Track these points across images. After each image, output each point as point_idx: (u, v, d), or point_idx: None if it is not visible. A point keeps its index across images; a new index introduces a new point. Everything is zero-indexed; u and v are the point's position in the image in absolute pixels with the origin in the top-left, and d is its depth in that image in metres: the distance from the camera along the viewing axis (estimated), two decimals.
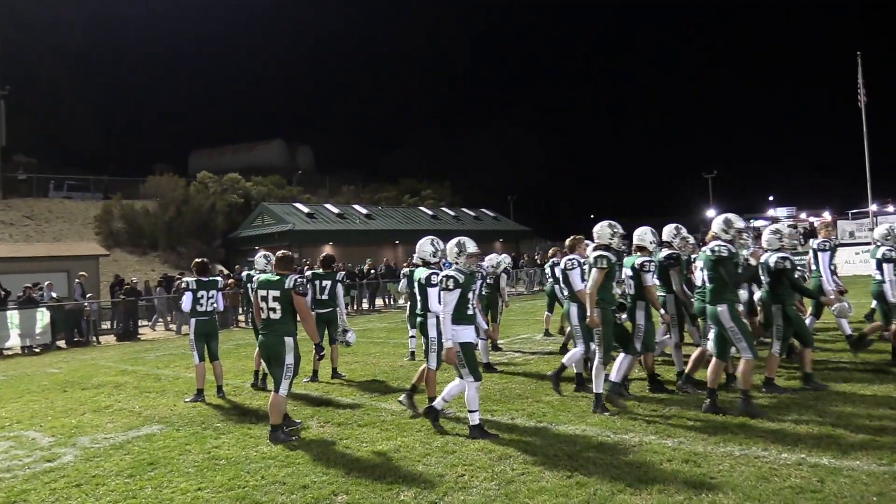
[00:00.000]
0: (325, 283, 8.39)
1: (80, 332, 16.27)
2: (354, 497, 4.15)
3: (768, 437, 4.82)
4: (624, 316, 6.44)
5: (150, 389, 8.57)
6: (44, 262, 20.70)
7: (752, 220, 35.70)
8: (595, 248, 6.04)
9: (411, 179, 53.29)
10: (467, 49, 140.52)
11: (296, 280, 5.58)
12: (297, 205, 36.47)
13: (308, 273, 8.84)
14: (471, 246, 5.52)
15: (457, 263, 5.48)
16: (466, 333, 5.35)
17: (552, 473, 4.32)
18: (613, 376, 6.01)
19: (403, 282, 10.28)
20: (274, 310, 5.60)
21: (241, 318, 19.06)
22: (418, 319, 6.31)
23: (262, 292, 5.67)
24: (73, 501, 4.43)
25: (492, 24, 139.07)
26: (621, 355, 6.15)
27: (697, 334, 6.89)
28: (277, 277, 5.65)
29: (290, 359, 5.54)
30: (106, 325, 18.99)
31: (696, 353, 6.37)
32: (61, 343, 15.75)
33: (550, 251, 11.10)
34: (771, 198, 57.18)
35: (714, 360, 5.73)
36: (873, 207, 27.94)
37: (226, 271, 22.25)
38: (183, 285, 7.86)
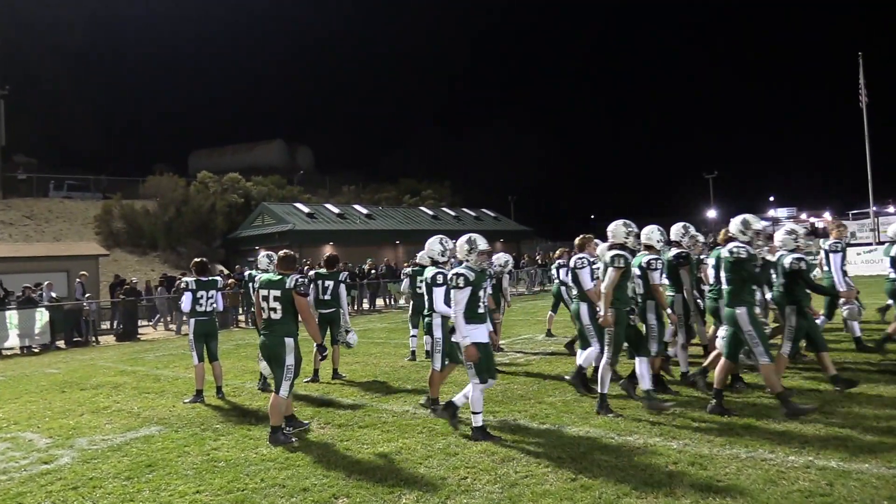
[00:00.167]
0: (327, 283, 8.34)
1: (79, 333, 16.21)
2: (355, 500, 4.08)
3: (774, 439, 4.75)
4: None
5: (148, 390, 8.51)
6: (43, 261, 20.66)
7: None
8: (610, 248, 5.94)
9: (411, 179, 53.26)
10: (467, 49, 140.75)
11: (297, 280, 5.51)
12: (298, 205, 36.41)
13: (311, 273, 8.79)
14: (482, 243, 5.39)
15: (467, 261, 5.34)
16: (477, 333, 5.21)
17: (556, 476, 4.26)
18: (645, 385, 5.78)
19: (405, 282, 10.22)
20: (275, 310, 5.53)
21: (242, 317, 19.01)
22: (426, 320, 6.24)
23: (264, 292, 5.61)
24: None
25: (492, 24, 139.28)
26: (638, 362, 5.88)
27: (706, 334, 6.83)
28: (279, 277, 5.59)
29: (290, 360, 5.47)
30: (105, 325, 18.93)
31: (716, 352, 6.21)
32: (60, 343, 15.68)
33: (557, 252, 11.06)
34: (772, 198, 57.16)
35: (724, 360, 5.65)
36: (874, 208, 27.87)
37: (226, 271, 22.17)
38: (182, 285, 7.80)
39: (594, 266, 6.48)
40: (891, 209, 36.87)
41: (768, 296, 6.63)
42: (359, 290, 21.40)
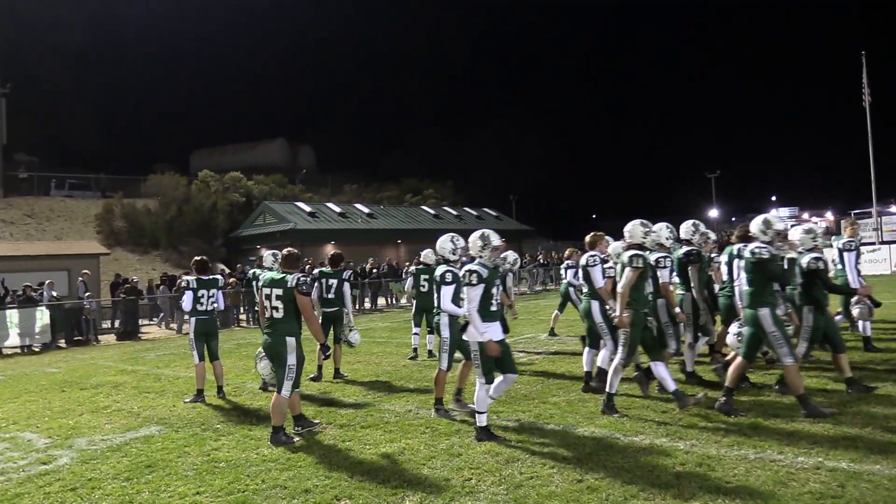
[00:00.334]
0: (331, 281, 8.30)
1: (80, 332, 16.16)
2: (358, 502, 4.02)
3: (783, 439, 4.68)
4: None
5: (149, 389, 8.45)
6: (44, 260, 20.59)
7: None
8: (628, 248, 5.83)
9: (413, 179, 53.15)
10: (467, 49, 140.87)
11: (298, 279, 5.45)
12: (299, 204, 36.31)
13: (315, 271, 8.74)
14: (495, 239, 5.27)
15: (481, 257, 5.22)
16: (492, 331, 5.10)
17: (562, 477, 4.19)
18: (670, 387, 5.62)
19: (409, 281, 10.15)
20: (277, 308, 5.48)
21: (243, 316, 18.96)
22: (435, 319, 6.19)
23: (266, 291, 5.56)
24: None
25: (492, 24, 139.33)
26: (654, 366, 5.75)
27: (715, 335, 6.77)
28: (281, 276, 5.54)
29: (291, 359, 5.41)
30: (106, 324, 18.89)
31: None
32: (61, 342, 15.64)
33: (567, 252, 11.06)
34: (773, 198, 57.07)
35: (740, 359, 5.56)
36: (876, 207, 27.75)
37: (227, 270, 22.11)
38: (183, 284, 7.74)
39: (606, 265, 6.42)
40: (893, 208, 36.73)
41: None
42: (360, 289, 21.35)
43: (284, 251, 5.86)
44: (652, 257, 6.13)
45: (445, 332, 6.00)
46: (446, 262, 6.08)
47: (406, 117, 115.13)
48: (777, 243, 5.45)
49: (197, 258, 7.89)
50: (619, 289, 5.68)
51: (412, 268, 10.42)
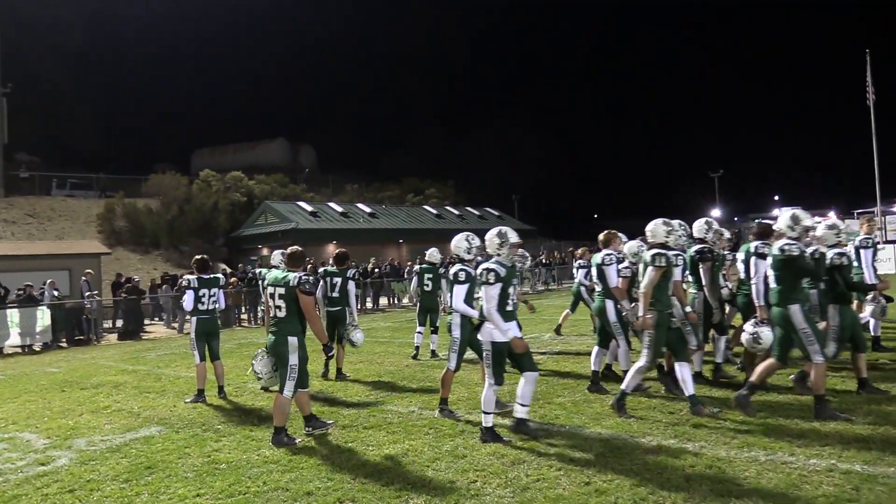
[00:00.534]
0: (335, 280, 8.23)
1: (81, 331, 16.10)
2: None
3: (794, 440, 4.60)
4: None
5: (149, 389, 8.38)
6: (46, 260, 20.52)
7: (756, 220, 35.38)
8: (651, 247, 5.71)
9: (413, 179, 53.05)
10: (467, 49, 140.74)
11: (300, 278, 5.37)
12: (301, 203, 36.26)
13: (320, 270, 8.67)
14: (513, 236, 5.16)
15: (498, 255, 5.11)
16: (512, 330, 4.99)
17: (569, 480, 4.10)
18: (689, 390, 5.48)
19: (414, 280, 10.09)
20: (280, 307, 5.41)
21: (244, 316, 18.90)
22: (448, 318, 6.12)
23: (271, 290, 5.50)
24: None
25: (492, 24, 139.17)
26: (679, 367, 5.59)
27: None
28: (284, 274, 5.47)
29: (293, 359, 5.33)
30: (107, 323, 18.82)
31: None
32: (63, 342, 15.57)
33: (579, 251, 10.99)
34: (776, 197, 56.91)
35: (773, 360, 5.40)
36: (880, 207, 27.61)
37: (229, 270, 22.04)
38: (184, 283, 7.67)
39: (621, 264, 6.33)
40: (895, 208, 36.54)
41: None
42: (362, 289, 21.29)
43: (289, 250, 5.78)
44: None
45: (456, 332, 5.90)
46: (461, 261, 5.99)
47: (406, 117, 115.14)
48: (805, 239, 5.35)
49: (197, 257, 7.82)
50: (641, 289, 5.54)
51: (416, 267, 10.34)
